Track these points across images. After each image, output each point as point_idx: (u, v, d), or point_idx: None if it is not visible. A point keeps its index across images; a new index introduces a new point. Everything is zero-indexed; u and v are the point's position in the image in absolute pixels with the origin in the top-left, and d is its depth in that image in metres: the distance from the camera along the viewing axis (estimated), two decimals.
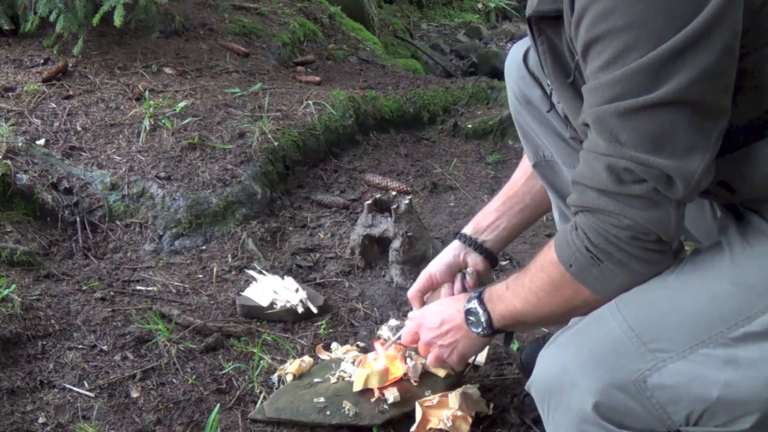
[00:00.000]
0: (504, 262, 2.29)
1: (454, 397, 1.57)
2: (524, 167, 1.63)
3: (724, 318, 1.04)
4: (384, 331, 1.90)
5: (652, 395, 1.05)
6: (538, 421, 1.59)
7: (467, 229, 1.62)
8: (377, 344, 1.71)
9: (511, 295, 1.26)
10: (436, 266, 1.63)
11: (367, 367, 1.65)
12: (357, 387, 1.61)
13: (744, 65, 0.99)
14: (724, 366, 1.03)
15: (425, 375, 1.67)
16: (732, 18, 0.93)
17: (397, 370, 1.65)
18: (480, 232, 1.61)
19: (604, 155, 1.01)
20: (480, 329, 1.33)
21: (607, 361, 1.07)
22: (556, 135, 1.42)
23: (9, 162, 2.41)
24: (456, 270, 1.62)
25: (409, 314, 1.66)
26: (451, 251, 1.62)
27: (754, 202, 1.10)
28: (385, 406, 1.59)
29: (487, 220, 1.61)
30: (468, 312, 1.34)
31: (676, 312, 1.07)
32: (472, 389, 1.62)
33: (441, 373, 1.64)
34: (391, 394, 1.60)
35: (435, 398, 1.58)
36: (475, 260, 1.60)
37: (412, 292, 1.65)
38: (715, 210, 1.25)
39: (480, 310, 1.32)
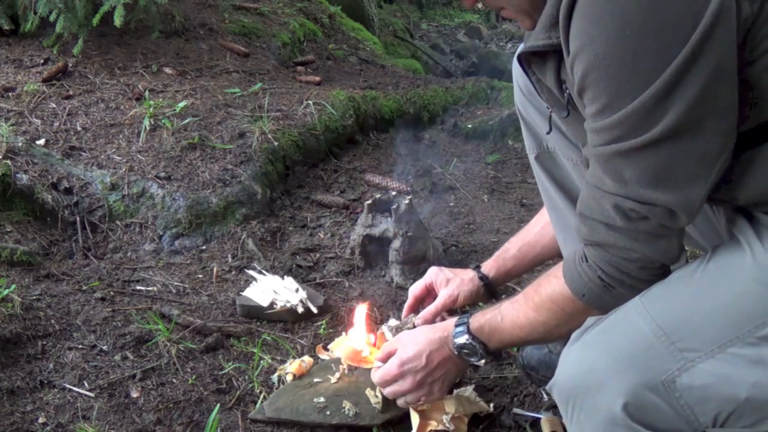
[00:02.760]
0: None
1: (449, 402, 1.57)
2: (541, 218, 1.72)
3: (750, 317, 1.04)
4: (384, 331, 1.91)
5: (681, 396, 1.05)
6: (534, 424, 1.60)
7: (489, 270, 1.75)
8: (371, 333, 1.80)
9: (510, 327, 1.34)
10: (461, 291, 1.74)
11: (346, 339, 1.79)
12: (332, 346, 1.80)
13: (743, 77, 1.00)
14: (753, 366, 1.03)
15: None
16: (718, 43, 0.95)
17: (371, 359, 1.68)
18: (499, 277, 1.76)
19: (611, 194, 1.06)
20: (476, 357, 1.41)
21: (637, 361, 1.06)
22: (556, 128, 1.43)
23: (9, 162, 2.41)
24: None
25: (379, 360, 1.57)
26: (473, 283, 1.75)
27: (760, 205, 1.10)
28: (377, 407, 1.59)
29: (506, 266, 1.75)
30: (461, 346, 1.41)
31: (703, 311, 1.07)
32: (468, 391, 1.62)
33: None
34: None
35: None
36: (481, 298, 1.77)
37: (418, 292, 1.80)
38: (716, 213, 1.25)
39: (475, 344, 1.39)
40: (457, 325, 1.42)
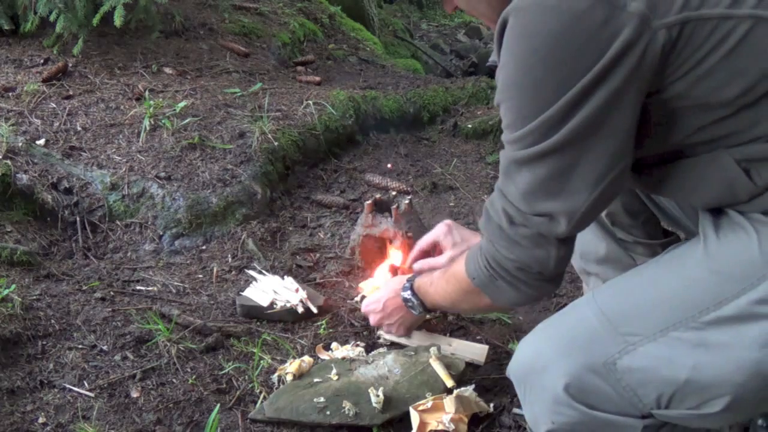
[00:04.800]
0: None
1: (449, 402, 1.57)
2: None
3: (696, 303, 1.08)
4: (384, 331, 1.91)
5: (622, 377, 1.10)
6: None
7: None
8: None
9: (433, 292, 1.58)
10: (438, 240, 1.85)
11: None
12: (362, 284, 2.13)
13: (650, 104, 1.07)
14: (694, 349, 1.07)
15: (426, 376, 1.68)
16: (618, 76, 1.01)
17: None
18: None
19: (503, 197, 1.18)
20: (417, 311, 1.69)
21: (579, 345, 1.13)
22: None
23: (9, 162, 2.41)
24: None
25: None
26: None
27: (725, 206, 1.14)
28: (377, 407, 1.59)
29: None
30: (405, 299, 1.70)
31: (649, 298, 1.13)
32: (468, 391, 1.62)
33: (449, 382, 1.65)
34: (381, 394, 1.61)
35: (429, 402, 1.58)
36: None
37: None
38: None
39: (414, 300, 1.67)
40: (408, 281, 1.69)
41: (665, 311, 1.10)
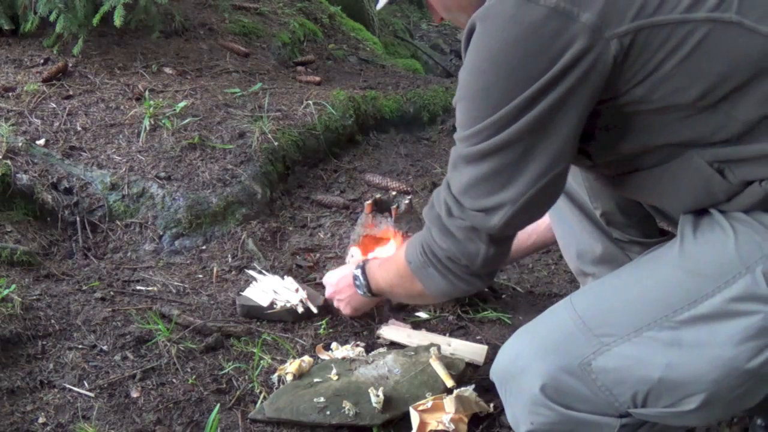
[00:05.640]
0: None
1: (449, 402, 1.57)
2: None
3: (670, 303, 1.10)
4: (384, 331, 1.91)
5: (597, 378, 1.12)
6: None
7: None
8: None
9: (379, 273, 1.63)
10: None
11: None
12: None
13: (601, 110, 1.10)
14: (668, 348, 1.08)
15: (426, 376, 1.68)
16: (566, 86, 1.05)
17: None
18: None
19: (447, 189, 1.24)
20: (362, 291, 1.71)
21: (555, 347, 1.16)
22: None
23: (9, 162, 2.41)
24: None
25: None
26: None
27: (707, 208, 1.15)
28: (377, 407, 1.59)
29: None
30: (354, 277, 1.72)
31: (624, 299, 1.15)
32: (468, 392, 1.62)
33: (449, 382, 1.65)
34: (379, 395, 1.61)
35: (429, 402, 1.58)
36: None
37: None
38: None
39: (362, 278, 1.69)
40: (362, 261, 1.72)
41: (640, 312, 1.12)
